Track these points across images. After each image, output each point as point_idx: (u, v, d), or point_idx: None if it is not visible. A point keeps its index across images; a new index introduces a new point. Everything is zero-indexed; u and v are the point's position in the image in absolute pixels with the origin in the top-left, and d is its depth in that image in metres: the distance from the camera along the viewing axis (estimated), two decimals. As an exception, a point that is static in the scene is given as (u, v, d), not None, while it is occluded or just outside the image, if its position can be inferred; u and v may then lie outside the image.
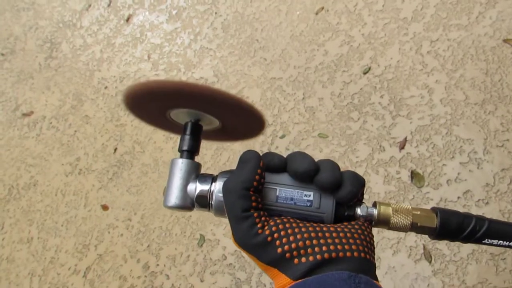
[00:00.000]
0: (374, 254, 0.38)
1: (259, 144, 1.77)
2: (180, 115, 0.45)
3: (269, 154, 0.41)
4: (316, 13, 1.94)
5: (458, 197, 1.42)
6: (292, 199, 0.39)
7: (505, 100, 1.49)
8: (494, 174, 1.41)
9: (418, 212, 0.41)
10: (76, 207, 1.93)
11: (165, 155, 1.90)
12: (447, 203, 1.42)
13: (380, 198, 1.52)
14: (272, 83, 1.89)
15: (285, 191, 0.39)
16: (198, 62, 2.07)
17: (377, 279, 0.36)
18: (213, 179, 0.42)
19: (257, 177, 0.38)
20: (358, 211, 0.40)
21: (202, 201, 0.42)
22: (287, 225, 0.37)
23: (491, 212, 1.36)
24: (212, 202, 0.41)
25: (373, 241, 0.39)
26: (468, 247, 1.35)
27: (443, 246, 1.37)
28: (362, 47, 1.79)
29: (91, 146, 2.04)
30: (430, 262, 1.37)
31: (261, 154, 0.40)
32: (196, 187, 0.42)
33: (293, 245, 0.35)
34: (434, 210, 0.41)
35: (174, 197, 0.42)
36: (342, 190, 0.38)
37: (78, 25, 2.45)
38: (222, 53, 2.05)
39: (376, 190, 1.54)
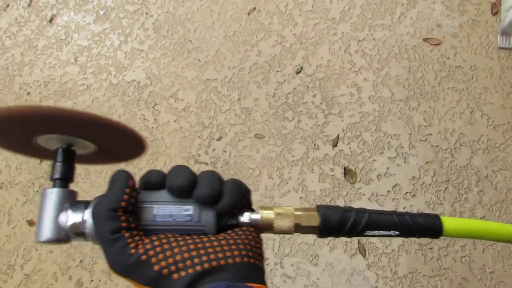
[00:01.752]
0: (263, 258, 0.38)
1: (195, 148, 1.73)
2: (48, 141, 0.41)
3: (148, 172, 0.39)
4: (248, 14, 1.93)
5: (388, 191, 1.48)
6: (171, 215, 0.37)
7: (427, 96, 1.57)
8: (419, 167, 1.48)
9: (301, 213, 0.41)
10: (-1, 225, 1.78)
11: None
12: (378, 198, 1.48)
13: (316, 196, 1.54)
14: (207, 85, 1.85)
15: (163, 208, 0.38)
16: (129, 64, 1.98)
17: (264, 283, 0.35)
18: (86, 204, 0.39)
19: (125, 196, 0.36)
20: (241, 219, 0.40)
21: (76, 231, 0.38)
22: (163, 241, 0.35)
23: (418, 204, 1.43)
24: (86, 231, 0.38)
25: (261, 246, 0.39)
26: (399, 239, 1.41)
27: (376, 239, 1.42)
28: (294, 47, 1.81)
29: (13, 157, 1.89)
30: (364, 256, 1.41)
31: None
32: (68, 217, 0.39)
33: (169, 260, 0.33)
34: (317, 208, 0.41)
35: (45, 231, 0.38)
36: (221, 201, 0.37)
37: (-5, 26, 2.26)
38: (155, 55, 1.98)
39: (312, 188, 1.56)
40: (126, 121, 1.84)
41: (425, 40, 1.65)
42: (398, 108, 1.59)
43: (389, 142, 1.55)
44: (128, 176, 0.37)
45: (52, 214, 0.39)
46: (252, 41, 1.88)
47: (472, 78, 1.54)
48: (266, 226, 0.40)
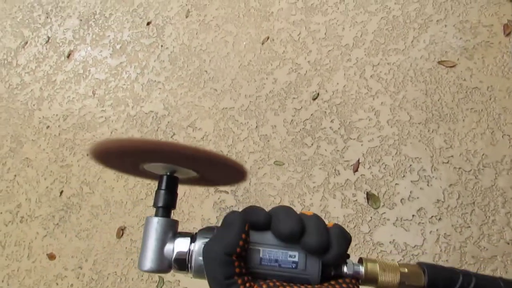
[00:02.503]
0: None
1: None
2: (154, 167, 0.42)
3: (253, 211, 0.38)
4: (262, 43, 1.97)
5: (413, 215, 1.46)
6: (276, 260, 0.37)
7: (446, 118, 1.57)
8: (443, 190, 1.47)
9: (406, 270, 0.40)
10: (19, 259, 1.77)
11: (116, 194, 1.80)
12: (403, 222, 1.46)
13: (339, 222, 1.53)
14: (224, 114, 1.87)
15: (269, 252, 0.37)
16: (146, 95, 2.02)
17: None
18: (192, 238, 0.39)
19: (241, 242, 0.35)
20: (345, 269, 0.38)
21: (181, 263, 0.38)
22: None
23: (445, 227, 1.41)
24: (192, 265, 0.38)
25: None
26: None
27: None
28: (309, 74, 1.84)
29: (33, 190, 1.90)
30: None
31: (244, 208, 0.38)
32: (173, 248, 0.39)
33: None
34: (421, 266, 0.40)
35: (149, 261, 0.39)
36: (330, 253, 0.36)
37: (14, 63, 2.32)
38: (171, 86, 2.01)
39: (335, 214, 1.55)
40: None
41: (439, 63, 1.67)
42: (417, 131, 1.59)
43: (410, 165, 1.55)
44: (246, 220, 0.37)
45: (157, 245, 0.39)
46: (267, 69, 1.91)
47: (490, 99, 1.55)
48: (369, 280, 0.39)
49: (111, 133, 1.95)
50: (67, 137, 1.99)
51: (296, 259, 0.37)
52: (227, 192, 1.70)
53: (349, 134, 1.67)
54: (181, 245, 0.39)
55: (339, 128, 1.69)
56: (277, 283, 0.35)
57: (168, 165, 0.42)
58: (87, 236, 1.74)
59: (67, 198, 1.85)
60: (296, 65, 1.88)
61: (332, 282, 0.37)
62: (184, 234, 0.40)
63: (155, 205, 0.42)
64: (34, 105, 2.15)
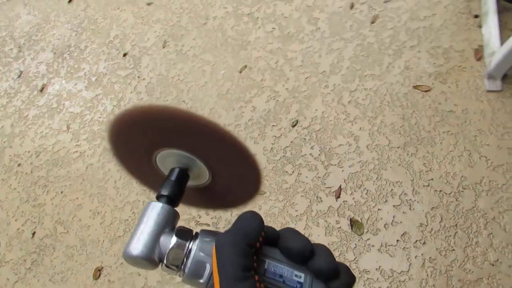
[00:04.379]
0: None
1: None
2: (167, 160, 0.40)
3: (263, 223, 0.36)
4: (240, 71, 1.97)
5: (397, 240, 1.44)
6: (281, 276, 0.34)
7: (424, 141, 1.59)
8: (426, 213, 1.46)
9: None
10: (-12, 307, 1.66)
11: (92, 233, 1.73)
12: (388, 248, 1.44)
13: (324, 251, 1.49)
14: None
15: (275, 266, 0.34)
16: (123, 128, 1.97)
17: None
18: (193, 236, 0.36)
19: (261, 238, 0.33)
20: None
21: (176, 257, 0.34)
22: None
23: (430, 251, 1.39)
24: (188, 262, 0.34)
25: None
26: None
27: (391, 293, 1.37)
28: (288, 101, 1.84)
29: (3, 233, 1.80)
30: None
31: None
32: (172, 240, 0.35)
33: None
34: None
35: (142, 244, 0.34)
36: (338, 280, 0.34)
37: (-15, 98, 2.25)
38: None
39: (319, 242, 1.51)
40: (122, 186, 1.79)
41: (415, 87, 1.70)
42: (396, 155, 1.60)
43: (392, 189, 1.54)
44: (262, 220, 0.35)
45: (155, 230, 0.35)
46: (246, 97, 1.91)
47: (466, 122, 1.58)
48: None
49: (86, 168, 1.89)
50: (40, 175, 1.92)
51: (301, 280, 0.34)
52: (208, 225, 1.65)
53: (330, 160, 1.66)
54: (181, 238, 0.35)
55: (319, 155, 1.68)
56: None
57: (181, 156, 0.39)
58: (62, 279, 1.65)
59: (39, 240, 1.76)
60: (274, 92, 1.88)
61: None
62: (185, 229, 0.36)
63: (159, 193, 0.39)
64: (4, 142, 2.07)
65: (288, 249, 0.35)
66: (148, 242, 0.35)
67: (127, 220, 1.70)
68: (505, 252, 1.35)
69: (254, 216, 0.34)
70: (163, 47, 2.15)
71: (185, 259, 0.34)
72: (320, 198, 1.60)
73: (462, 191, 1.47)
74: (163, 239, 0.35)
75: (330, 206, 1.57)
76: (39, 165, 1.96)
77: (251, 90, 1.92)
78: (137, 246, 0.35)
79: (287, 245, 0.35)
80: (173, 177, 0.40)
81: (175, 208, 0.39)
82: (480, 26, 1.71)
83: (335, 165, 1.65)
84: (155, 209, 0.37)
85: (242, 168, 0.40)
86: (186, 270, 0.34)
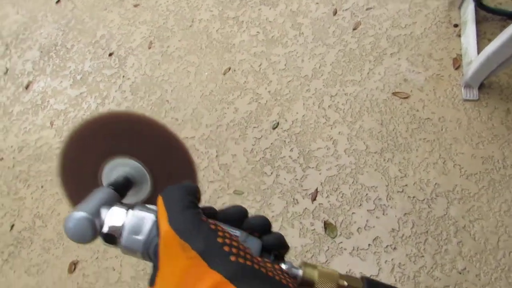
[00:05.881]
0: None
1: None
2: (112, 174, 0.43)
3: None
4: (224, 73, 1.99)
5: (369, 245, 1.46)
6: None
7: (400, 148, 1.60)
8: (398, 219, 1.47)
9: (345, 282, 0.38)
10: (-38, 300, 1.66)
11: (70, 228, 1.73)
12: (360, 252, 1.45)
13: (297, 252, 1.51)
14: (185, 143, 1.85)
15: None
16: (106, 125, 1.98)
17: None
18: (134, 205, 0.37)
19: (198, 195, 0.36)
20: (283, 266, 0.37)
21: (115, 219, 0.36)
22: (228, 230, 0.35)
23: (400, 257, 1.41)
24: (127, 221, 0.35)
25: None
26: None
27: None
28: (270, 104, 1.86)
29: (-18, 225, 1.81)
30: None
31: None
32: (112, 209, 0.37)
33: (234, 243, 0.31)
34: (362, 279, 0.39)
35: (84, 210, 0.36)
36: (271, 235, 0.38)
37: (-29, 92, 2.26)
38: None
39: (293, 244, 1.53)
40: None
41: (394, 94, 1.72)
42: (373, 160, 1.61)
43: (367, 194, 1.56)
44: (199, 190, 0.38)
45: (99, 200, 0.37)
46: (229, 99, 1.92)
47: (442, 129, 1.59)
48: (306, 283, 0.38)
49: (67, 164, 1.90)
50: (22, 169, 1.92)
51: (237, 234, 0.36)
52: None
53: (308, 163, 1.67)
54: (120, 207, 0.37)
55: (298, 157, 1.70)
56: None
57: (128, 164, 0.42)
58: (37, 271, 1.66)
59: (18, 233, 1.76)
60: (256, 95, 1.90)
61: (276, 266, 0.35)
62: (126, 203, 0.38)
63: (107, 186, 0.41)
64: (-11, 135, 2.08)
65: (225, 214, 0.38)
66: (91, 209, 0.36)
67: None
68: (473, 261, 1.36)
69: (187, 183, 0.37)
70: (149, 48, 2.17)
71: (125, 223, 0.35)
72: (297, 200, 1.61)
73: (435, 198, 1.49)
74: (104, 208, 0.37)
75: (306, 208, 1.59)
76: (21, 160, 1.97)
77: (234, 92, 1.93)
78: (80, 210, 0.36)
79: (224, 212, 0.38)
80: (119, 180, 0.43)
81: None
82: (459, 35, 1.73)
83: (313, 168, 1.66)
84: (103, 190, 0.40)
85: (181, 167, 0.43)
86: (125, 231, 0.35)
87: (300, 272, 0.38)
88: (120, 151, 0.44)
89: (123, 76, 2.09)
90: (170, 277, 0.32)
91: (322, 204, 1.58)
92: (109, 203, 0.38)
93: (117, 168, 0.44)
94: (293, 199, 1.62)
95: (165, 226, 0.32)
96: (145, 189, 0.45)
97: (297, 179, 1.66)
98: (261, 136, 1.80)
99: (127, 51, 2.19)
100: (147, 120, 0.43)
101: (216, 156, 1.79)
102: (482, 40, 1.67)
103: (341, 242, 1.49)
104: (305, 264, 0.39)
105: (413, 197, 1.50)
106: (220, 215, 0.38)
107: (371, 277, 0.40)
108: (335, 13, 1.97)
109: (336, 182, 1.61)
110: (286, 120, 1.80)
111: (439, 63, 1.73)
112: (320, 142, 1.71)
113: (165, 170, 0.45)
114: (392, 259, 1.41)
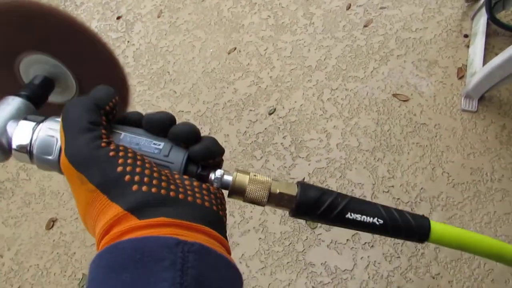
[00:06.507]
0: (226, 216, 0.34)
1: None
2: (32, 68, 0.39)
3: (126, 112, 0.37)
4: (229, 53, 1.97)
5: (347, 240, 1.46)
6: (137, 144, 0.34)
7: (392, 149, 1.60)
8: (380, 217, 1.47)
9: (278, 182, 0.37)
10: None
11: (54, 184, 1.73)
12: (337, 245, 1.46)
13: (276, 238, 1.51)
14: (179, 116, 1.85)
15: (131, 137, 0.34)
16: (104, 88, 1.97)
17: (225, 238, 0.31)
18: (44, 119, 0.34)
19: (110, 103, 0.33)
20: (212, 176, 0.36)
21: (22, 137, 0.32)
22: (136, 152, 0.31)
23: (376, 255, 1.41)
24: (37, 140, 0.32)
25: (225, 209, 0.35)
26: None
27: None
28: (269, 89, 1.85)
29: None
30: (318, 304, 1.36)
31: None
32: (19, 123, 0.33)
33: (137, 169, 0.29)
34: (298, 184, 0.38)
35: None
36: (198, 145, 0.34)
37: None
38: (131, 82, 1.97)
39: (273, 230, 1.53)
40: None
41: (394, 95, 1.71)
42: (364, 158, 1.61)
43: (352, 190, 1.56)
44: (115, 93, 0.34)
45: (5, 113, 0.34)
46: (230, 79, 1.91)
47: (436, 136, 1.59)
48: (237, 190, 0.36)
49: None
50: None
51: (160, 146, 0.34)
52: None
53: (299, 153, 1.67)
54: (29, 120, 0.34)
55: (289, 145, 1.69)
56: (139, 153, 0.32)
57: (50, 63, 0.38)
58: (15, 224, 1.66)
59: (0, 183, 1.76)
60: (258, 78, 1.89)
61: (195, 183, 0.33)
62: (35, 115, 0.35)
63: (17, 93, 0.37)
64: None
65: (149, 120, 0.35)
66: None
67: (90, 177, 1.71)
68: (448, 268, 1.37)
69: (105, 86, 0.34)
70: (158, 17, 2.15)
71: (32, 140, 0.33)
72: (282, 187, 1.61)
73: (419, 202, 1.49)
74: (11, 123, 0.34)
75: (290, 196, 1.58)
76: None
77: (236, 73, 1.92)
78: None
79: (147, 119, 0.35)
80: (36, 81, 0.39)
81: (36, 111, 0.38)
82: (468, 46, 1.72)
83: (303, 157, 1.66)
84: (8, 101, 0.36)
85: (108, 70, 0.40)
86: (35, 149, 0.32)
87: (230, 179, 0.36)
88: (32, 46, 0.38)
89: (128, 42, 2.08)
90: (79, 206, 0.30)
91: (307, 194, 1.58)
92: (17, 116, 0.35)
93: (34, 66, 0.39)
94: (279, 185, 1.61)
95: (62, 154, 0.30)
96: (71, 89, 0.41)
97: (285, 167, 1.66)
98: (256, 120, 1.79)
99: (135, 17, 2.17)
100: (63, 14, 0.38)
101: (209, 133, 1.78)
102: (489, 53, 1.66)
103: (320, 233, 1.49)
104: (237, 171, 0.37)
105: (398, 198, 1.50)
106: (145, 122, 0.35)
107: (306, 182, 0.39)
108: (348, 7, 1.95)
109: (324, 175, 1.61)
110: (283, 107, 1.80)
111: (444, 71, 1.72)
112: (313, 133, 1.71)
113: (89, 70, 0.41)
114: (368, 256, 1.41)
